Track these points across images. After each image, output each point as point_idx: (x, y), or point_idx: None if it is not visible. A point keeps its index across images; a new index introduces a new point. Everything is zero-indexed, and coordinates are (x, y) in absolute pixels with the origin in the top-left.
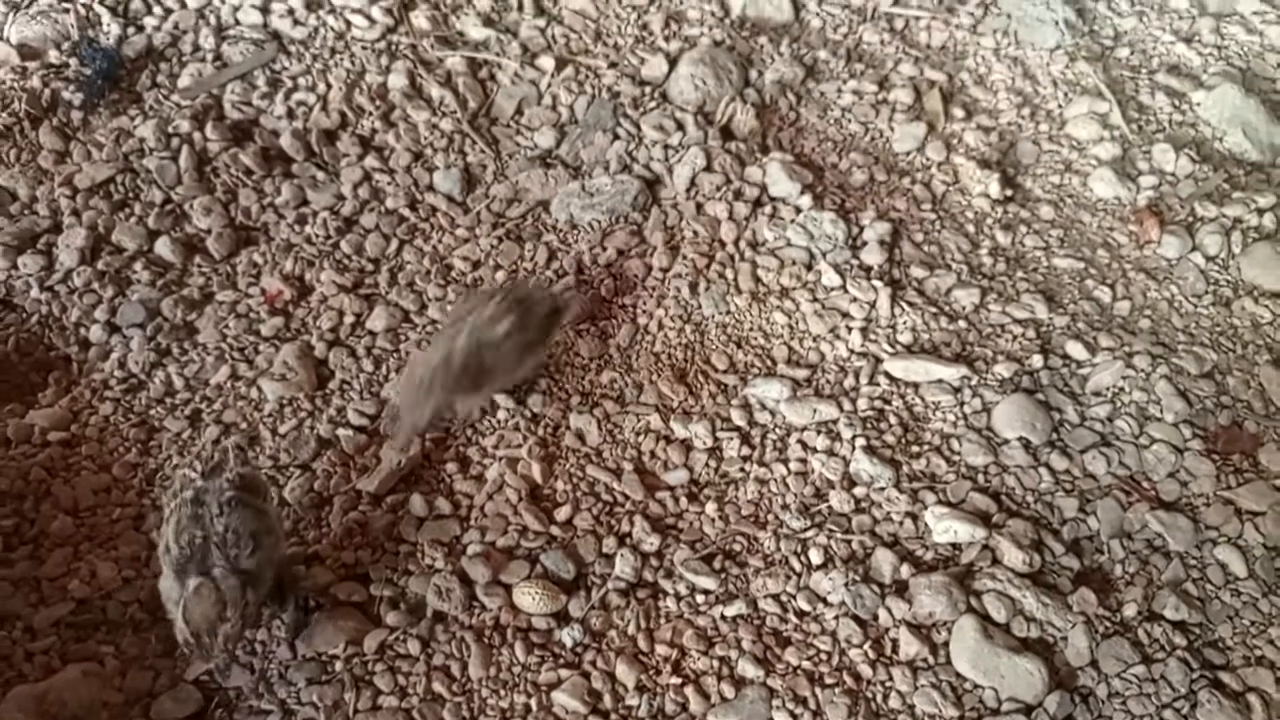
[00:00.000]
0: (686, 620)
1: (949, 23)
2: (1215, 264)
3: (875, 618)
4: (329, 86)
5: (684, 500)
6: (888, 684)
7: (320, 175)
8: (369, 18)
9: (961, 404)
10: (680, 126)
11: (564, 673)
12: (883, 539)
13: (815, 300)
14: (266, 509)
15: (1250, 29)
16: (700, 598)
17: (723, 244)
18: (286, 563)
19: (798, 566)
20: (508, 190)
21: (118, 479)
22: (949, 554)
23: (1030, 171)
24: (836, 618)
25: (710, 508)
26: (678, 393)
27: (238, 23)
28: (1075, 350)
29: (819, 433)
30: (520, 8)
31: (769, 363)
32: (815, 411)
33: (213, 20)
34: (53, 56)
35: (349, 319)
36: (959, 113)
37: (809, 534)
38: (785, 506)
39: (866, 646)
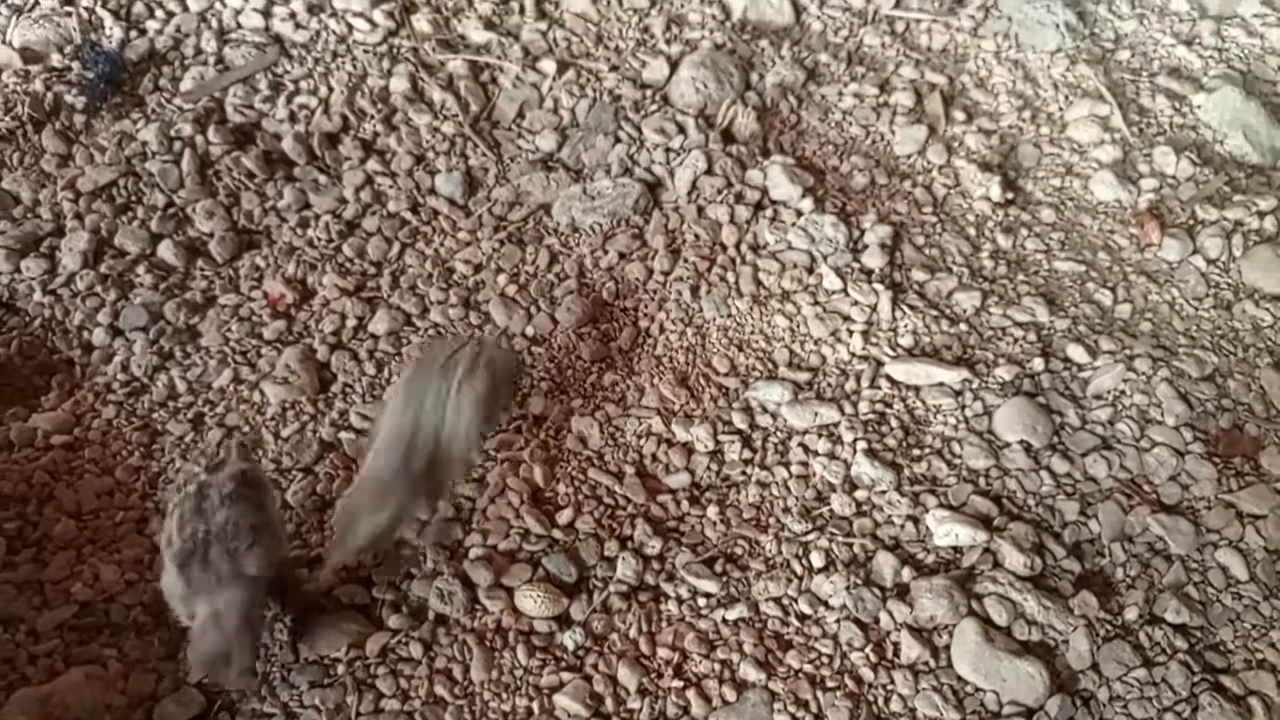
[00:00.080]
0: (688, 623)
1: (950, 26)
2: (1216, 267)
3: (876, 621)
4: (331, 90)
5: (685, 503)
6: (889, 687)
7: (322, 179)
8: (371, 21)
9: (963, 407)
10: (681, 130)
11: (566, 676)
12: (884, 542)
13: (816, 303)
14: (268, 505)
15: (1251, 32)
16: (702, 601)
17: (724, 247)
18: (289, 565)
19: (799, 570)
20: (509, 193)
21: (120, 482)
22: (950, 557)
23: (1031, 174)
24: (838, 621)
25: (712, 511)
26: (679, 396)
27: (239, 26)
28: (1076, 353)
29: (820, 436)
30: (521, 11)
31: (770, 366)
32: (816, 414)
33: (215, 24)
34: (55, 60)
35: (351, 322)
36: (960, 116)
37: (810, 537)
38: (787, 510)
39: (868, 650)
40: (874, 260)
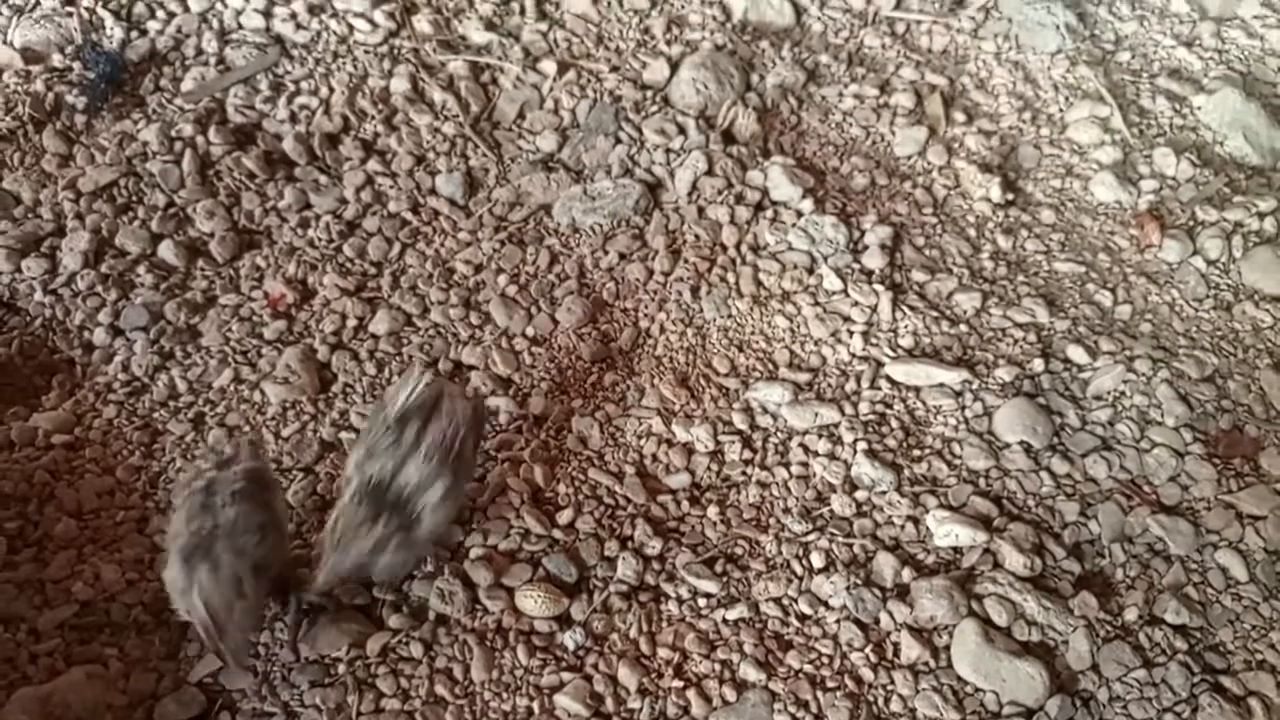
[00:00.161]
0: (688, 623)
1: (950, 27)
2: (1216, 268)
3: (877, 621)
4: (331, 90)
5: (686, 503)
6: (889, 687)
7: (323, 179)
8: (371, 22)
9: (963, 408)
10: (682, 130)
11: (566, 676)
12: (884, 543)
13: (817, 304)
14: (275, 504)
15: (1251, 33)
16: (702, 601)
17: (724, 248)
18: (291, 564)
19: (799, 570)
20: (510, 194)
21: (121, 482)
22: (950, 558)
23: (1031, 175)
24: (838, 621)
25: (712, 511)
26: (679, 396)
27: (240, 27)
28: (1076, 354)
29: (820, 436)
30: (522, 12)
31: (770, 366)
32: (817, 415)
33: (215, 24)
34: (56, 60)
35: (351, 322)
36: (960, 117)
37: (810, 537)
38: (787, 510)
39: (868, 650)
40: (874, 261)
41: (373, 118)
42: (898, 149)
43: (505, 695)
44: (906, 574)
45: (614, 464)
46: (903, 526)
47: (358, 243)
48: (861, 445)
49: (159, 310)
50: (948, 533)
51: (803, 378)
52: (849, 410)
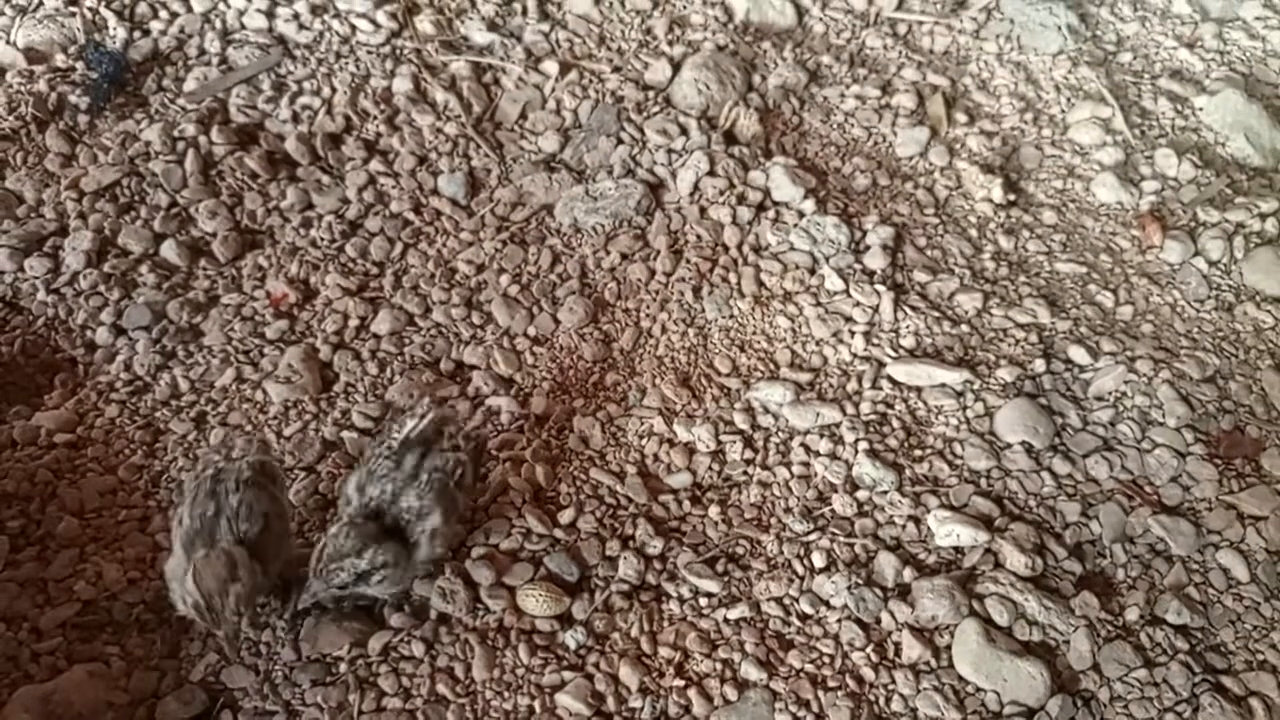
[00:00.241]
0: (689, 623)
1: (952, 28)
2: (1217, 269)
3: (878, 621)
4: (334, 90)
5: (687, 503)
6: (890, 687)
7: (325, 179)
8: (374, 22)
9: (964, 408)
10: (684, 131)
11: (567, 675)
12: (885, 542)
13: (818, 304)
14: (281, 498)
15: (1253, 34)
16: (703, 600)
17: (726, 248)
18: (293, 563)
19: (800, 570)
20: (512, 194)
21: (123, 481)
22: (951, 558)
23: (1033, 176)
24: (839, 621)
25: (713, 511)
26: (681, 396)
27: (243, 27)
28: (1078, 355)
29: (822, 436)
30: (524, 12)
31: (772, 366)
32: (818, 415)
33: (218, 24)
34: (59, 60)
35: (353, 322)
36: (962, 118)
37: (812, 537)
38: (788, 510)
39: (869, 650)
40: (876, 261)
41: (375, 118)
42: (899, 150)
43: (507, 694)
44: (908, 574)
45: (615, 464)
46: (904, 526)
47: (360, 242)
48: (863, 445)
49: (161, 310)
50: (949, 533)
51: (804, 378)
52: (850, 410)
